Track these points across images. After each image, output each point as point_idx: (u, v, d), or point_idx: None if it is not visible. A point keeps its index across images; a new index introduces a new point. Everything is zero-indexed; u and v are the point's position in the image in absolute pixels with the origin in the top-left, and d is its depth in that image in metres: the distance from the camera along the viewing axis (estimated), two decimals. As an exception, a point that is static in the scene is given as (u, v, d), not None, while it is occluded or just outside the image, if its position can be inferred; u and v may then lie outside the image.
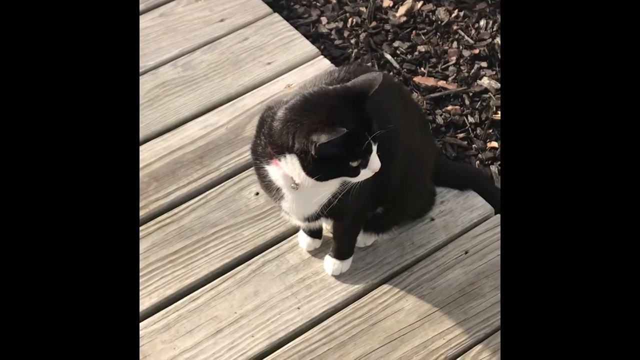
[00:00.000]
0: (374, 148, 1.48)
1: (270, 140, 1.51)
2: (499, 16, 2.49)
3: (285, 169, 1.51)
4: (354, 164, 1.46)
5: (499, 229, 1.95)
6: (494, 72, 2.37)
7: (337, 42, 2.46)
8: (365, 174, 1.49)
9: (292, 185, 1.55)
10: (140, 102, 2.19)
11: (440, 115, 2.27)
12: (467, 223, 1.96)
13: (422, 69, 2.39)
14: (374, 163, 1.49)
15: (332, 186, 1.56)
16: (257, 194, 2.00)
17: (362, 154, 1.47)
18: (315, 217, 1.64)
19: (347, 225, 1.76)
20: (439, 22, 2.49)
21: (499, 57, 2.40)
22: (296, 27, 2.42)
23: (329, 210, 1.60)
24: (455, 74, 2.37)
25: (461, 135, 2.24)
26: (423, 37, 2.46)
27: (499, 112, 2.27)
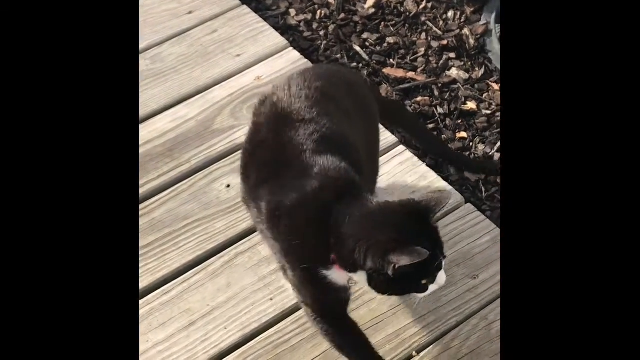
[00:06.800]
0: (443, 264, 1.45)
1: (339, 254, 1.44)
2: (466, 7, 2.50)
3: (353, 276, 1.47)
4: (425, 281, 1.45)
5: (469, 217, 1.96)
6: (462, 63, 2.39)
7: (306, 34, 2.46)
8: (432, 289, 1.47)
9: (351, 282, 1.53)
10: (109, 95, 2.17)
11: (410, 106, 2.28)
12: (437, 212, 1.97)
13: (391, 60, 2.40)
14: (441, 278, 1.46)
15: None
16: (229, 186, 2.00)
17: (434, 272, 1.44)
18: None
19: None
20: (408, 14, 2.50)
21: (467, 48, 2.41)
22: (265, 19, 2.41)
23: None
24: (424, 65, 2.38)
25: (431, 125, 2.25)
26: (392, 28, 2.47)
27: (468, 103, 2.29)
